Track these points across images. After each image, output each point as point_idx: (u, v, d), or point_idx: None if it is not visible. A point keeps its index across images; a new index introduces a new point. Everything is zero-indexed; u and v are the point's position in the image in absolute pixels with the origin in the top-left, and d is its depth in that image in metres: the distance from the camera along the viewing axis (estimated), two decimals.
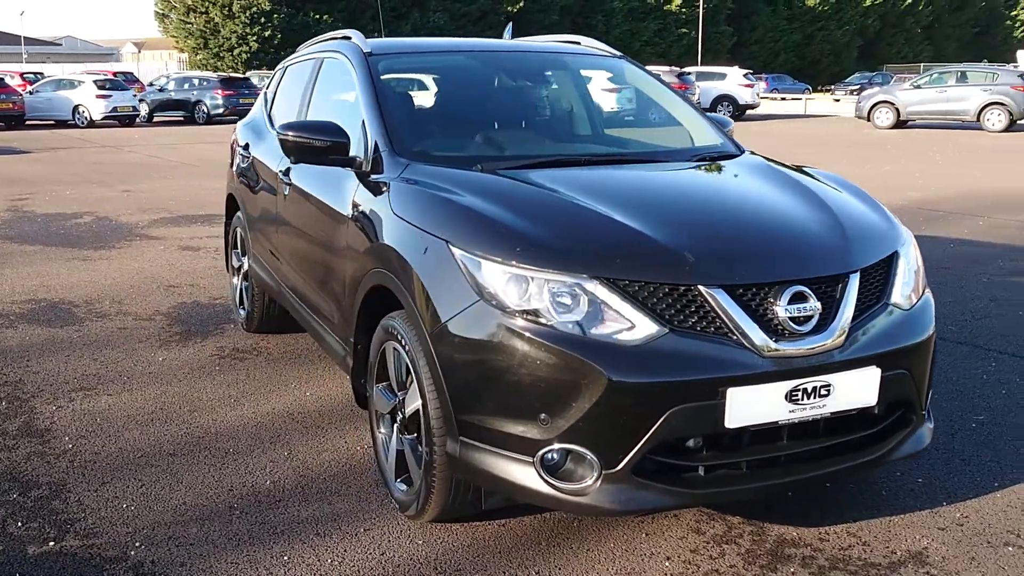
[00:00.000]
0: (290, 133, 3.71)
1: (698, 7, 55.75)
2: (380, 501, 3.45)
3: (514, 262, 2.79)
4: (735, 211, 3.26)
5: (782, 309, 2.79)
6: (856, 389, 2.88)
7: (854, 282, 2.97)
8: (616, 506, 2.74)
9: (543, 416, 2.71)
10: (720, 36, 59.21)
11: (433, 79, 4.41)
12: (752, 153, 4.03)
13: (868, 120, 26.33)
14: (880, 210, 3.47)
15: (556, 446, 2.72)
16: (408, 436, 3.25)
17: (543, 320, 2.71)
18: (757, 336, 2.74)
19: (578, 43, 4.81)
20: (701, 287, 2.74)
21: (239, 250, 5.69)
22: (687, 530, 3.22)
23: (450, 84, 4.43)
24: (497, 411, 2.81)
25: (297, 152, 3.73)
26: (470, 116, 4.13)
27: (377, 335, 3.38)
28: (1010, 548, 3.12)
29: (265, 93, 5.60)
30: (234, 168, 5.51)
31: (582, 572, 2.98)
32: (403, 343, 3.12)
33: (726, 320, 2.73)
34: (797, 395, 2.77)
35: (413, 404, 3.14)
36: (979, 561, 3.04)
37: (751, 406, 2.73)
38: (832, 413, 2.86)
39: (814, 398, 2.80)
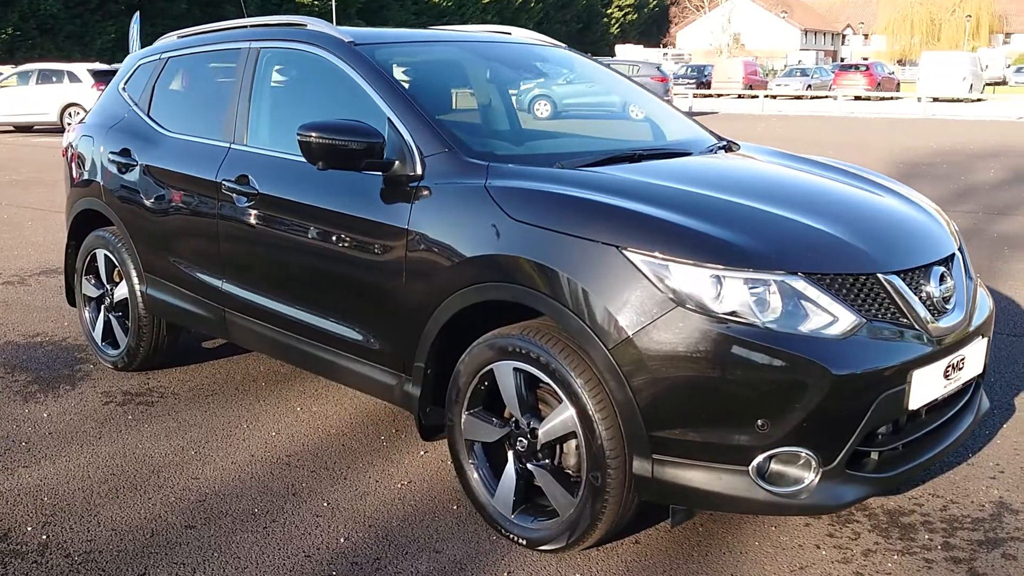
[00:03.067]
0: (313, 134, 3.21)
1: (330, 0, 55.50)
2: (491, 540, 3.11)
3: (710, 263, 2.64)
4: (856, 202, 3.32)
5: (935, 289, 2.90)
6: (976, 359, 3.08)
7: (959, 260, 3.17)
8: (833, 502, 2.71)
9: (761, 422, 2.60)
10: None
11: (427, 72, 4.00)
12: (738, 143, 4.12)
13: None
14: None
15: (775, 450, 2.63)
16: (539, 463, 2.96)
17: (752, 321, 2.60)
18: (927, 317, 2.83)
19: (509, 33, 4.61)
20: (880, 275, 2.78)
21: (98, 277, 4.81)
22: (801, 520, 3.25)
23: (449, 77, 4.05)
24: (704, 422, 2.66)
25: (325, 156, 3.23)
26: (491, 111, 3.82)
27: (476, 357, 3.04)
28: None
29: (125, 89, 4.75)
30: (101, 180, 4.62)
31: (750, 574, 2.91)
32: (540, 362, 2.84)
33: (902, 305, 2.79)
34: (949, 371, 2.91)
35: (555, 429, 2.87)
36: None
37: (926, 386, 2.82)
38: (963, 384, 3.04)
39: (957, 371, 2.96)
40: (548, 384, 2.88)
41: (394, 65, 3.60)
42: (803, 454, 2.64)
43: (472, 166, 3.16)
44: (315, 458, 3.75)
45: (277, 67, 3.96)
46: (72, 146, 4.98)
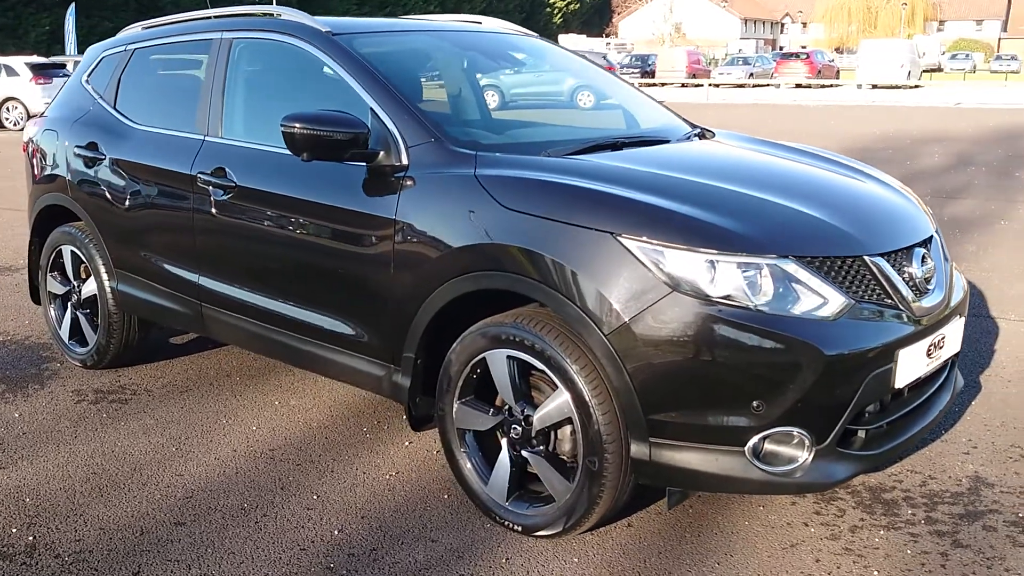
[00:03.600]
0: (297, 125, 3.18)
1: None
2: (486, 528, 3.13)
3: (704, 248, 2.68)
4: (838, 186, 3.37)
5: (918, 270, 2.98)
6: (954, 338, 3.17)
7: (936, 241, 3.25)
8: (825, 480, 2.77)
9: (756, 403, 2.65)
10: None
11: (406, 62, 3.97)
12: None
13: None
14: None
15: (769, 431, 2.68)
16: (533, 450, 2.99)
17: (746, 304, 2.65)
18: (910, 298, 2.90)
19: (480, 23, 4.61)
20: (866, 257, 2.84)
21: (63, 274, 4.71)
22: (787, 499, 3.31)
23: (428, 67, 4.03)
24: (701, 405, 2.70)
25: (309, 147, 3.21)
26: (468, 101, 3.82)
27: (468, 345, 3.05)
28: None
29: (88, 81, 4.65)
30: (67, 174, 4.52)
31: (743, 552, 2.96)
32: (534, 349, 2.86)
33: (887, 286, 2.86)
34: (931, 349, 2.99)
35: (550, 415, 2.90)
36: (1018, 469, 3.50)
37: (910, 365, 2.89)
38: (942, 362, 3.12)
39: (938, 350, 3.04)
40: (542, 371, 2.90)
41: (374, 55, 3.57)
42: (796, 433, 2.70)
43: (459, 155, 3.16)
44: (299, 452, 3.72)
45: (251, 58, 3.91)
46: (32, 141, 4.87)
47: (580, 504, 2.88)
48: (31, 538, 3.08)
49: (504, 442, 3.07)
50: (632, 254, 2.70)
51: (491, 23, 4.59)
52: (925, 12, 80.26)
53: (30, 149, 4.87)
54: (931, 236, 3.21)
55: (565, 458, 2.99)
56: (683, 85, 40.69)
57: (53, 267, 4.77)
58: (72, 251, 4.61)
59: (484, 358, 3.03)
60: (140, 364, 4.76)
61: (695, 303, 2.65)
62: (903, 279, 2.92)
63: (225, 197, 3.71)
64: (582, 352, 2.81)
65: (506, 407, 3.06)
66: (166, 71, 4.44)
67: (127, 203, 4.20)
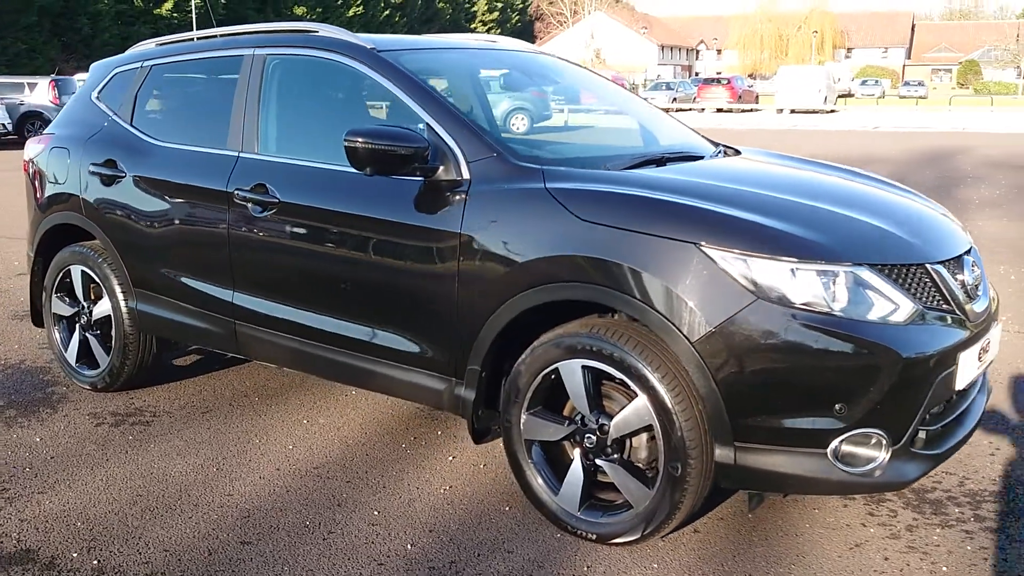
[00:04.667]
0: (360, 140, 3.20)
1: (190, 12, 54.04)
2: (558, 538, 3.15)
3: (786, 257, 2.77)
4: (890, 199, 3.50)
5: (968, 277, 3.13)
6: (995, 342, 3.33)
7: (975, 251, 3.41)
8: (900, 479, 2.87)
9: (839, 406, 2.75)
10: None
11: (452, 78, 4.00)
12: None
13: None
14: None
15: (851, 432, 2.78)
16: (608, 458, 3.03)
17: (827, 310, 2.75)
18: (965, 303, 3.05)
19: (495, 42, 4.67)
20: (928, 265, 2.97)
21: (71, 295, 4.60)
22: (839, 502, 3.41)
23: (471, 84, 4.06)
24: (785, 408, 2.78)
25: (372, 162, 3.23)
26: (508, 118, 3.85)
27: (539, 357, 3.08)
28: None
29: (100, 98, 4.56)
30: (80, 193, 4.41)
31: (813, 554, 3.05)
32: (613, 358, 2.92)
33: (946, 293, 2.99)
34: (981, 353, 3.13)
35: (628, 423, 2.95)
36: None
37: (968, 368, 3.03)
38: (987, 365, 3.28)
39: (985, 354, 3.19)
40: (620, 380, 2.95)
41: (422, 72, 3.60)
42: (875, 434, 2.80)
43: (525, 170, 3.20)
44: (344, 469, 3.70)
45: (288, 75, 3.89)
46: (34, 161, 4.74)
47: (661, 510, 2.93)
48: (95, 562, 2.99)
49: (576, 452, 3.11)
50: (716, 263, 2.78)
51: (506, 42, 4.66)
52: (834, 40, 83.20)
53: (32, 169, 4.75)
54: (971, 246, 3.37)
55: (641, 465, 3.04)
56: (606, 112, 41.29)
57: (59, 288, 4.64)
58: (83, 271, 4.49)
59: (556, 368, 3.07)
60: (150, 386, 4.66)
61: (779, 310, 2.74)
62: (958, 286, 3.06)
63: (267, 213, 3.68)
64: (663, 359, 2.87)
65: (577, 416, 3.10)
66: (189, 88, 4.38)
67: (151, 221, 4.13)
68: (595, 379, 3.04)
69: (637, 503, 2.99)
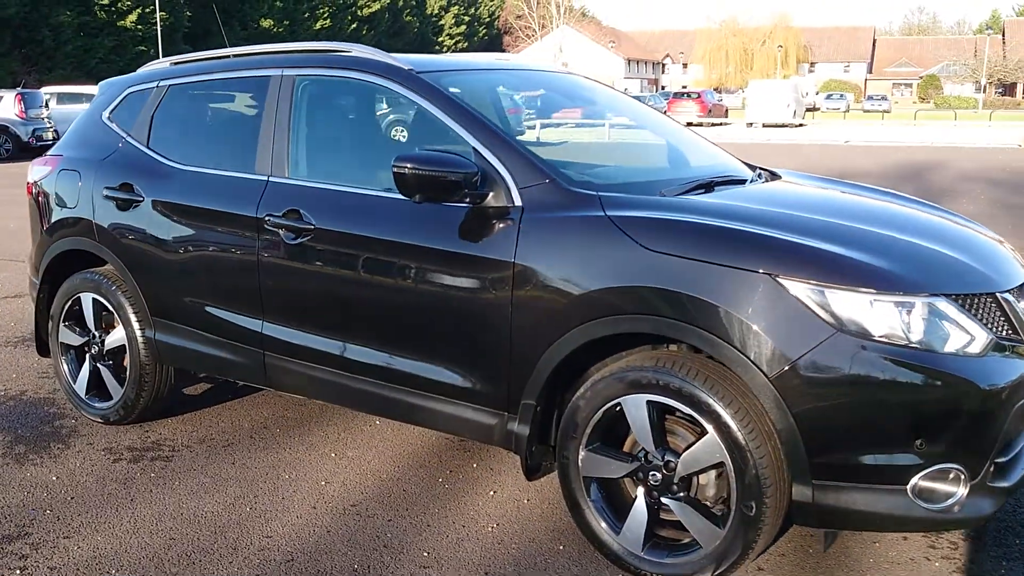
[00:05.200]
0: (409, 165, 3.09)
1: (155, 24, 53.44)
2: None
3: (864, 288, 2.68)
4: (951, 227, 3.42)
5: None
6: None
7: None
8: (978, 514, 2.79)
9: (919, 441, 2.66)
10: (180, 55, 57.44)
11: (493, 100, 3.88)
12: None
13: None
14: None
15: (932, 468, 2.69)
16: (674, 496, 2.92)
17: (905, 343, 2.66)
18: None
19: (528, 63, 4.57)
20: (997, 294, 2.90)
21: (81, 324, 4.41)
22: (897, 535, 3.31)
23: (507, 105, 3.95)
24: (865, 445, 2.69)
25: (421, 188, 3.12)
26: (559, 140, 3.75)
27: (601, 391, 2.97)
28: None
29: (111, 119, 4.39)
30: (93, 217, 4.23)
31: None
32: (681, 393, 2.81)
33: (1014, 321, 2.92)
34: None
35: (697, 460, 2.85)
36: None
37: None
38: None
39: None
40: (686, 415, 2.85)
41: (465, 94, 3.49)
42: (954, 469, 2.71)
43: (581, 196, 3.10)
44: (383, 506, 3.55)
45: (321, 96, 3.76)
46: (39, 184, 4.56)
47: (732, 550, 2.83)
48: None
49: (640, 489, 2.99)
50: (794, 295, 2.69)
51: (519, 60, 4.56)
52: (798, 54, 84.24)
53: (37, 192, 4.56)
54: None
55: (709, 503, 2.93)
56: (577, 125, 41.38)
57: (68, 316, 4.46)
58: (95, 299, 4.31)
59: (619, 403, 2.96)
60: (163, 419, 4.49)
61: (860, 343, 2.65)
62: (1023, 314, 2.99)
63: (301, 240, 3.54)
64: (735, 394, 2.77)
65: (641, 452, 2.99)
66: (212, 109, 4.23)
67: (172, 247, 3.97)
68: (659, 414, 2.93)
69: (707, 543, 2.88)
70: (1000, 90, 74.55)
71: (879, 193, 3.83)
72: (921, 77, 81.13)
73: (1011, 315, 2.90)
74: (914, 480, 2.69)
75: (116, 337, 4.29)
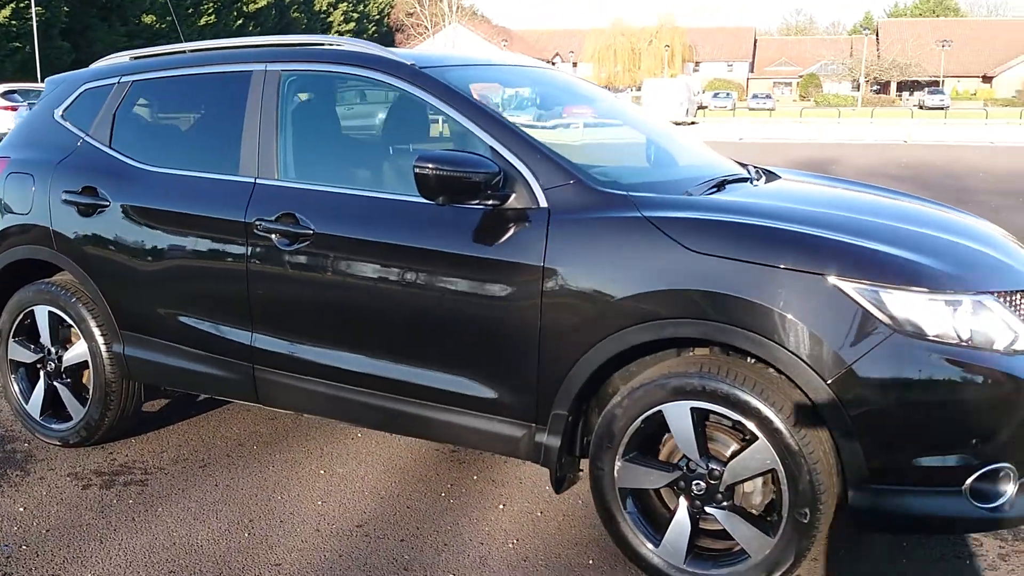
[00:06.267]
0: (431, 166, 2.92)
1: (30, 20, 51.02)
2: None
3: (918, 288, 2.65)
4: (974, 225, 3.42)
5: None
6: None
7: None
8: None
9: (975, 440, 2.64)
10: (58, 51, 54.93)
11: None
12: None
13: None
14: None
15: (986, 468, 2.67)
16: (719, 506, 2.83)
17: (957, 342, 2.64)
18: None
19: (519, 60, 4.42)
20: None
21: (33, 339, 4.07)
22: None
23: (517, 103, 3.78)
24: (923, 447, 2.66)
25: (445, 190, 2.95)
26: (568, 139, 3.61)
27: (640, 399, 2.86)
28: None
29: (66, 117, 4.05)
30: (50, 224, 3.89)
31: None
32: (729, 400, 2.72)
33: None
34: None
35: (747, 467, 2.77)
36: None
37: None
38: None
39: None
40: (733, 421, 2.76)
41: (472, 90, 3.32)
42: (1006, 468, 2.70)
43: (612, 197, 2.98)
44: (391, 526, 3.36)
45: (312, 93, 3.54)
46: None
47: (785, 559, 2.75)
48: None
49: (681, 499, 2.89)
50: (848, 296, 2.63)
51: (522, 59, 4.42)
52: (683, 54, 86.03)
53: None
54: None
55: (755, 511, 2.85)
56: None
57: (18, 331, 4.10)
58: (51, 312, 3.97)
59: (660, 411, 2.85)
60: (126, 439, 4.17)
61: (916, 344, 2.61)
62: None
63: (299, 246, 3.32)
64: (785, 399, 2.70)
65: (682, 461, 2.89)
66: (184, 107, 3.94)
67: (145, 255, 3.67)
68: (701, 421, 2.84)
69: (755, 553, 2.80)
70: (875, 88, 77.80)
71: (885, 191, 3.83)
72: (801, 76, 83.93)
73: None
74: (969, 480, 2.66)
75: (76, 352, 3.96)
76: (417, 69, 3.33)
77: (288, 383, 3.48)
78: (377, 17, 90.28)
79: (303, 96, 3.54)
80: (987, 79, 76.04)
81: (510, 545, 3.23)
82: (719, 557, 2.89)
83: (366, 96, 4.16)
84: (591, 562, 3.12)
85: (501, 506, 3.52)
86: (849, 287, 2.63)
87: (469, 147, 3.14)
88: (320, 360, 3.38)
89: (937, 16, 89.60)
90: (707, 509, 2.86)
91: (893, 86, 77.58)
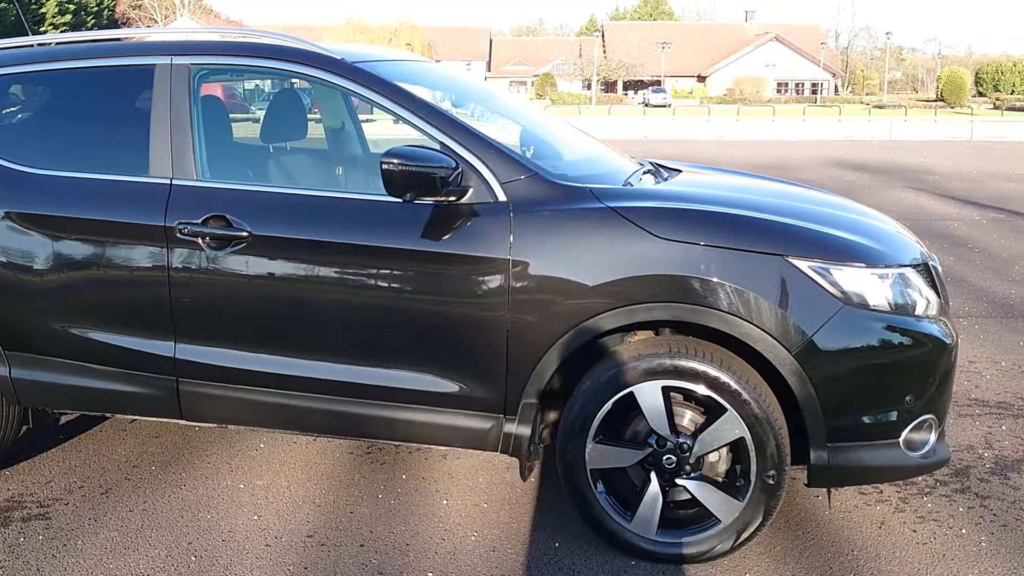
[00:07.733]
0: (396, 161, 2.90)
1: None
2: (644, 567, 3.07)
3: (860, 264, 2.95)
4: (863, 208, 3.77)
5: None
6: None
7: None
8: (943, 457, 3.18)
9: (909, 397, 2.99)
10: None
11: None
12: None
13: None
14: None
15: (917, 419, 3.03)
16: (690, 476, 3.02)
17: (895, 310, 2.97)
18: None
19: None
20: (928, 263, 3.31)
21: None
22: (870, 489, 3.64)
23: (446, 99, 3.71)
24: (870, 405, 2.97)
25: (412, 186, 2.93)
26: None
27: (610, 382, 2.99)
28: None
29: None
30: None
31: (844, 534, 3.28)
32: (700, 376, 2.92)
33: (939, 289, 3.35)
34: None
35: (717, 438, 2.97)
36: None
37: None
38: None
39: None
40: (702, 396, 2.95)
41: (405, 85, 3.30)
42: (930, 419, 3.07)
43: (571, 189, 3.08)
44: (342, 533, 3.28)
45: (226, 88, 3.35)
46: None
47: (755, 519, 2.98)
48: None
49: (652, 474, 3.04)
50: (805, 274, 2.88)
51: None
52: (423, 52, 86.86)
53: None
54: None
55: (719, 479, 3.06)
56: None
57: None
58: None
59: (631, 392, 2.98)
60: (10, 465, 3.78)
61: (863, 314, 2.91)
62: None
63: (231, 250, 3.16)
64: (751, 372, 2.92)
65: (651, 438, 3.04)
66: (70, 103, 3.57)
67: (38, 268, 3.34)
68: (670, 399, 3.01)
69: (725, 516, 3.00)
70: (603, 87, 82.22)
71: (771, 179, 4.17)
72: (536, 75, 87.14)
73: (937, 282, 3.31)
74: (905, 432, 3.00)
75: None
76: (351, 64, 3.27)
77: (219, 394, 3.30)
78: (96, 9, 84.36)
79: (216, 95, 3.36)
80: (702, 78, 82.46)
81: (472, 537, 3.25)
82: (685, 525, 3.07)
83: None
84: (557, 544, 3.20)
85: (444, 502, 3.52)
86: (804, 265, 2.89)
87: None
88: (261, 368, 3.23)
89: (655, 20, 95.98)
90: (677, 481, 3.02)
91: (620, 85, 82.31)
